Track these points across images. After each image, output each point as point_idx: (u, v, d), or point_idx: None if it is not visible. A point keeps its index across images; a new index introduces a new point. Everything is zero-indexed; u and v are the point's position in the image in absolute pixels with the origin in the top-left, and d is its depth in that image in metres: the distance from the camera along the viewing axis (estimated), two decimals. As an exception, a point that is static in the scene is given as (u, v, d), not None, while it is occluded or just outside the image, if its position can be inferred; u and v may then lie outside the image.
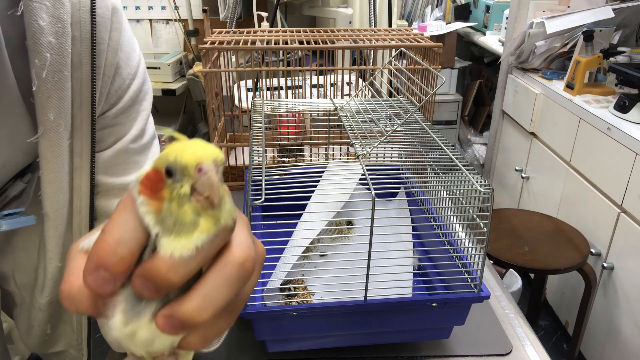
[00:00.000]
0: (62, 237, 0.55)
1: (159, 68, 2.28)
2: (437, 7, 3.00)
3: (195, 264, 0.28)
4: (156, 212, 0.27)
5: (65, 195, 0.52)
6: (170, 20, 2.53)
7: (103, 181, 0.55)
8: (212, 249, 0.29)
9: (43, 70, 0.46)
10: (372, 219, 0.55)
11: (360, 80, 1.31)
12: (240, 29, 1.27)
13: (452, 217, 0.71)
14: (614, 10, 1.90)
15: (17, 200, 0.53)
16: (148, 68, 2.44)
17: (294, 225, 0.73)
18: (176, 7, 2.41)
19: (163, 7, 2.51)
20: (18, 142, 0.48)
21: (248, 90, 1.36)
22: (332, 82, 1.19)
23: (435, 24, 2.62)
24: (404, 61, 1.15)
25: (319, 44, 1.11)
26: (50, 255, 0.54)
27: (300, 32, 1.24)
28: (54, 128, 0.48)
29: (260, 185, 0.57)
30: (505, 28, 2.36)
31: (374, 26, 2.08)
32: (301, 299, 0.68)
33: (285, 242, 0.71)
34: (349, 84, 1.34)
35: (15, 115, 0.47)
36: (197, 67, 2.26)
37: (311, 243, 0.75)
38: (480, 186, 0.56)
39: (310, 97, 1.23)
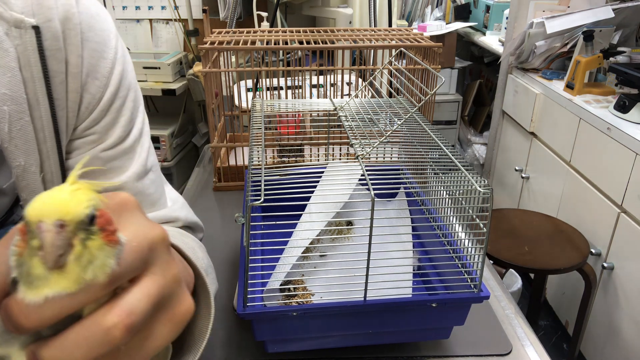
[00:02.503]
0: None
1: (159, 68, 2.28)
2: (437, 7, 2.99)
3: (50, 314, 0.27)
4: (18, 256, 0.27)
5: None
6: (170, 20, 2.53)
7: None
8: (73, 303, 0.28)
9: (5, 124, 0.46)
10: (372, 219, 0.55)
11: (360, 80, 1.31)
12: (240, 29, 1.27)
13: (451, 217, 0.71)
14: (614, 10, 1.90)
15: None
16: (148, 68, 2.42)
17: (294, 225, 0.73)
18: (176, 7, 2.41)
19: (163, 7, 2.51)
20: None
21: (248, 90, 1.36)
22: (332, 82, 1.19)
23: (435, 24, 2.62)
24: (404, 61, 1.15)
25: (319, 44, 1.11)
26: None
27: (300, 32, 1.24)
28: (26, 169, 0.49)
29: (260, 185, 0.57)
30: (505, 28, 2.36)
31: (374, 26, 2.08)
32: (301, 300, 0.68)
33: (285, 243, 0.71)
34: (348, 84, 1.34)
35: None
36: (197, 67, 2.26)
37: (311, 243, 0.75)
38: (480, 186, 0.56)
39: (310, 97, 1.23)
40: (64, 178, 0.53)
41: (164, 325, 0.33)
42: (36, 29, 0.46)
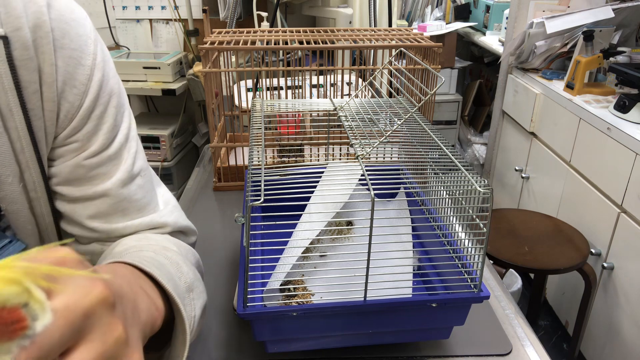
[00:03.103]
0: None
1: (159, 68, 2.28)
2: (437, 7, 2.99)
3: None
4: None
5: (32, 225, 0.53)
6: (170, 20, 2.53)
7: (64, 192, 0.55)
8: None
9: None
10: (372, 219, 0.55)
11: (360, 80, 1.31)
12: (240, 29, 1.27)
13: (451, 217, 0.71)
14: (614, 10, 1.90)
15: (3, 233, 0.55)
16: (148, 68, 2.41)
17: (294, 225, 0.73)
18: (176, 7, 2.41)
19: (163, 7, 2.51)
20: None
21: (248, 90, 1.36)
22: (332, 82, 1.19)
23: (435, 24, 2.62)
24: (404, 61, 1.15)
25: (319, 44, 1.11)
26: None
27: (300, 32, 1.24)
28: (2, 180, 0.49)
29: (260, 185, 0.57)
30: (505, 28, 2.36)
31: (374, 26, 2.08)
32: (301, 300, 0.68)
33: (285, 243, 0.71)
34: (348, 84, 1.34)
35: None
36: (197, 67, 2.26)
37: (311, 243, 0.75)
38: (480, 186, 0.56)
39: (310, 97, 1.23)
40: (46, 186, 0.53)
41: None
42: (4, 39, 0.45)
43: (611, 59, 1.85)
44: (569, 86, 1.88)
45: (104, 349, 0.30)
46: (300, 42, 1.12)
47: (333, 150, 1.18)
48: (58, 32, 0.49)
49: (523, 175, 2.20)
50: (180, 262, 0.55)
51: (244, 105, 1.21)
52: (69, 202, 0.55)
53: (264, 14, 1.94)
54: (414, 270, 0.74)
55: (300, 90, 1.19)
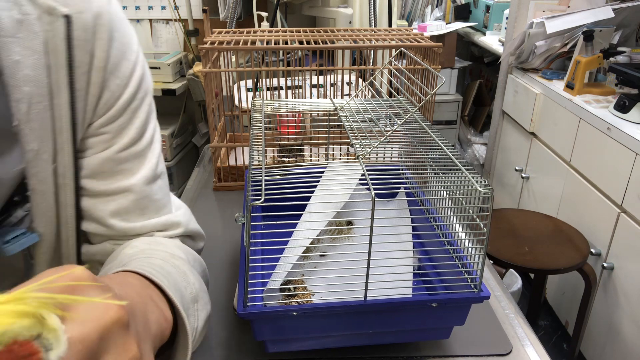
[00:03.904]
0: (51, 254, 0.56)
1: (159, 68, 2.28)
2: (437, 7, 2.99)
3: None
4: None
5: (52, 213, 0.54)
6: (170, 20, 2.53)
7: (88, 185, 0.55)
8: None
9: (24, 104, 0.47)
10: (372, 219, 0.55)
11: (360, 80, 1.31)
12: (240, 29, 1.27)
13: (452, 217, 0.71)
14: (614, 10, 1.90)
15: (16, 227, 0.55)
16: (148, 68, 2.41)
17: (294, 225, 0.73)
18: (176, 7, 2.41)
19: (163, 7, 2.51)
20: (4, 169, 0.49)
21: (248, 90, 1.36)
22: (332, 82, 1.19)
23: (435, 24, 2.62)
24: (404, 61, 1.15)
25: (319, 44, 1.11)
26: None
27: (300, 32, 1.24)
28: (38, 155, 0.50)
29: (260, 185, 0.57)
30: (505, 28, 2.36)
31: (374, 26, 2.08)
32: (301, 299, 0.68)
33: (285, 242, 0.71)
34: (349, 84, 1.34)
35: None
36: (197, 67, 2.26)
37: (311, 243, 0.75)
38: (480, 186, 0.56)
39: (310, 97, 1.23)
40: (76, 174, 0.53)
41: None
42: (67, 18, 0.48)
43: (611, 59, 1.85)
44: (569, 86, 1.88)
45: None
46: (300, 42, 1.12)
47: (333, 150, 1.18)
48: (114, 24, 0.52)
49: (523, 175, 2.20)
50: (188, 272, 0.55)
51: (244, 105, 1.21)
52: (91, 196, 0.56)
53: (264, 14, 1.94)
54: (414, 270, 0.74)
55: (300, 90, 1.19)
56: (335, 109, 0.85)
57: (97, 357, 0.30)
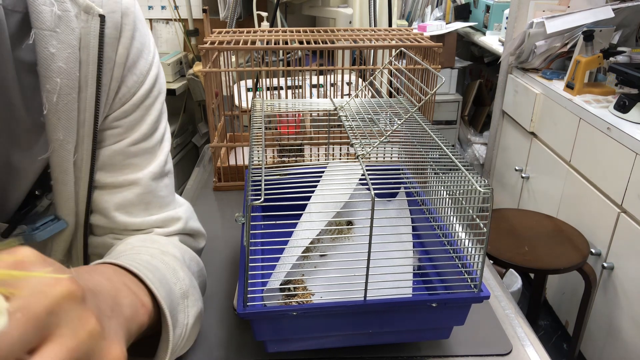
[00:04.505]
0: (67, 244, 0.58)
1: (159, 68, 2.28)
2: (437, 7, 2.99)
3: None
4: None
5: (71, 202, 0.55)
6: (170, 20, 2.53)
7: (96, 177, 0.57)
8: None
9: (54, 95, 0.49)
10: (372, 219, 0.55)
11: (360, 80, 1.31)
12: (240, 29, 1.27)
13: (452, 217, 0.71)
14: (614, 10, 1.90)
15: (43, 215, 0.56)
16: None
17: (294, 225, 0.73)
18: (176, 7, 2.41)
19: (163, 7, 2.51)
20: (30, 157, 0.51)
21: (248, 90, 1.36)
22: (332, 82, 1.19)
23: (435, 24, 2.62)
24: (404, 61, 1.15)
25: (319, 44, 1.11)
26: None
27: (300, 32, 1.24)
28: (63, 146, 0.52)
29: (260, 185, 0.57)
30: (505, 28, 2.36)
31: (374, 26, 2.08)
32: (301, 299, 0.68)
33: (285, 242, 0.71)
34: (348, 84, 1.34)
35: (29, 133, 0.51)
36: (197, 67, 2.26)
37: (311, 243, 0.75)
38: (480, 186, 0.56)
39: (310, 97, 1.23)
40: (92, 167, 0.55)
41: None
42: (102, 17, 0.51)
43: (611, 59, 1.85)
44: (569, 86, 1.88)
45: (77, 343, 0.30)
46: (300, 42, 1.12)
47: (333, 150, 1.18)
48: (136, 24, 0.55)
49: (523, 175, 2.20)
50: (178, 268, 0.56)
51: (244, 105, 1.21)
52: (99, 188, 0.58)
53: (264, 14, 1.94)
54: (414, 270, 0.74)
55: (300, 90, 1.19)
56: (335, 109, 0.85)
57: (48, 331, 0.29)
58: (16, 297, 0.28)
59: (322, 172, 0.73)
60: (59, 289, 0.30)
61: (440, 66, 1.12)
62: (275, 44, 1.12)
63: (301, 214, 0.74)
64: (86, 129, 0.53)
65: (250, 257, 0.56)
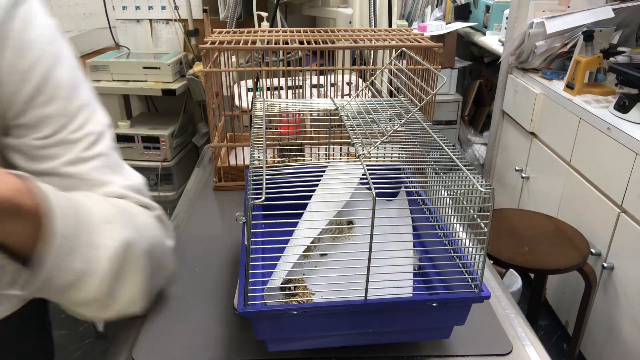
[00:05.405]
0: None
1: (159, 68, 2.28)
2: (437, 7, 2.99)
3: None
4: None
5: None
6: (170, 20, 2.53)
7: (18, 162, 0.59)
8: None
9: None
10: (373, 218, 0.55)
11: (360, 80, 1.31)
12: (241, 29, 1.27)
13: (452, 217, 0.71)
14: (614, 10, 1.90)
15: None
16: (148, 68, 2.42)
17: (295, 224, 0.73)
18: (176, 7, 2.41)
19: (163, 7, 2.51)
20: None
21: (248, 90, 1.36)
22: (332, 82, 1.19)
23: (435, 24, 2.62)
24: (404, 61, 1.15)
25: (319, 44, 1.11)
26: None
27: (300, 32, 1.24)
28: None
29: (261, 184, 0.57)
30: (505, 28, 2.36)
31: (374, 26, 2.08)
32: (301, 299, 0.68)
33: (286, 242, 0.71)
34: (349, 84, 1.34)
35: None
36: (197, 67, 2.26)
37: (312, 242, 0.75)
38: (481, 186, 0.56)
39: (311, 97, 1.23)
40: None
41: None
42: None
43: (611, 59, 1.85)
44: (569, 86, 1.88)
45: None
46: (301, 42, 1.12)
47: (334, 150, 1.18)
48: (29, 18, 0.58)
49: (523, 175, 2.20)
50: (101, 199, 0.58)
51: (244, 105, 1.21)
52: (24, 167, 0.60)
53: (264, 14, 1.94)
54: (414, 270, 0.74)
55: (301, 90, 1.19)
56: (336, 109, 0.85)
57: None
58: None
59: (323, 171, 0.73)
60: None
61: (440, 66, 1.12)
62: (275, 44, 1.12)
63: (302, 214, 0.74)
64: None
65: (250, 256, 0.56)
